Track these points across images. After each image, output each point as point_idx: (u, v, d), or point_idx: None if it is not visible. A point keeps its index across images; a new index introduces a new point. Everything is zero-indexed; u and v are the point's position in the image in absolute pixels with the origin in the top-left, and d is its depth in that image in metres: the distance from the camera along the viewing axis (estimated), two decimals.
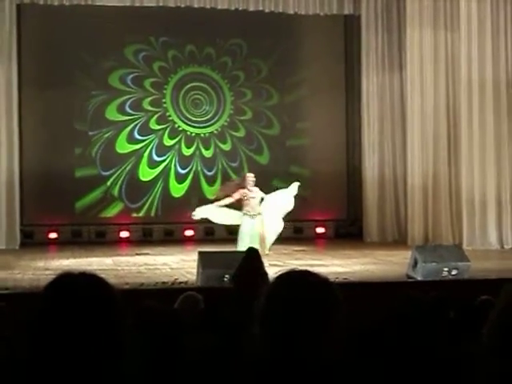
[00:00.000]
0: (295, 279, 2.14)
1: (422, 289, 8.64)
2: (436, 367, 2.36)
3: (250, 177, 12.63)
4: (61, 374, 1.82)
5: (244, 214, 12.49)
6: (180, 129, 18.38)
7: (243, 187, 12.55)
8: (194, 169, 18.36)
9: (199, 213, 12.81)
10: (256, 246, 12.03)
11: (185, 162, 18.32)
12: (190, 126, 18.42)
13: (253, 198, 12.50)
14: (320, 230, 18.25)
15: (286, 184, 17.94)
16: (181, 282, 9.87)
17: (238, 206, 12.72)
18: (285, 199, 12.86)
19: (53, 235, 17.30)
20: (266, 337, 2.08)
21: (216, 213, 12.72)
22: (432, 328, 2.42)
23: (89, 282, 1.93)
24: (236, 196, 12.52)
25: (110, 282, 1.97)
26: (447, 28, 16.28)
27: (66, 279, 1.94)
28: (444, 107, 16.36)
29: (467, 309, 4.20)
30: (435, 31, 16.26)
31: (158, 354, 3.01)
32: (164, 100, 18.33)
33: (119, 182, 18.00)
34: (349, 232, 18.24)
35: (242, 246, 12.05)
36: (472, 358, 2.21)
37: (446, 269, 10.05)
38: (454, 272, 10.07)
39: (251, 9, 16.76)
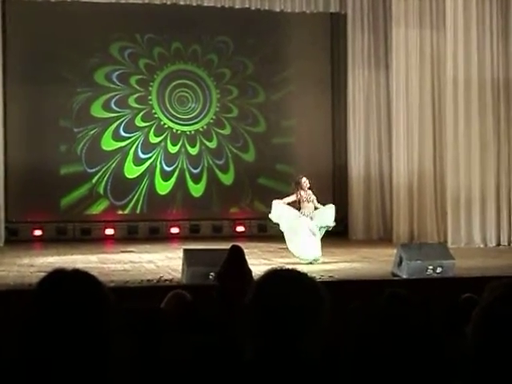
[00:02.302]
0: (281, 278, 2.15)
1: (407, 287, 8.69)
2: (419, 364, 2.37)
3: (305, 180, 12.56)
4: (53, 371, 1.82)
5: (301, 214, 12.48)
6: (166, 126, 18.35)
7: (300, 190, 12.50)
8: (179, 166, 18.34)
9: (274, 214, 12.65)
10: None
11: (170, 159, 18.30)
12: (175, 123, 18.40)
13: (309, 200, 12.49)
14: None
15: (272, 182, 18.05)
16: (166, 280, 9.85)
17: None
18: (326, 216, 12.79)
19: (38, 232, 17.25)
20: (252, 334, 2.09)
21: (279, 210, 12.54)
22: (416, 326, 2.43)
23: (81, 279, 1.93)
24: (293, 198, 12.50)
25: (100, 280, 1.97)
26: (433, 27, 16.32)
27: (59, 276, 1.93)
28: (429, 106, 16.41)
29: (451, 306, 4.22)
30: (421, 30, 16.31)
31: (141, 353, 3.01)
32: (150, 97, 18.30)
33: (104, 180, 17.96)
34: (334, 230, 18.22)
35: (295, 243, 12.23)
36: (455, 356, 2.22)
37: (430, 267, 10.09)
38: (438, 270, 10.10)
39: (237, 6, 16.75)
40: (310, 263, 12.00)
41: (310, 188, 12.59)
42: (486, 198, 15.69)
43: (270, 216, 12.70)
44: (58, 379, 1.81)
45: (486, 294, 1.74)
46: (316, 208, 12.61)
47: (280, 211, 12.51)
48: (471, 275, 9.93)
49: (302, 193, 12.48)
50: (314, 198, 12.62)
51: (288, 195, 12.76)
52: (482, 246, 15.47)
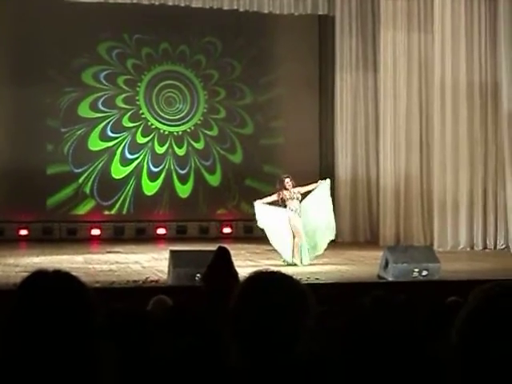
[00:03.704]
0: (265, 280, 2.14)
1: (393, 289, 8.70)
2: (403, 367, 2.37)
3: (288, 181, 12.59)
4: (35, 372, 1.81)
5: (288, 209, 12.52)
6: (153, 127, 18.33)
7: (283, 189, 12.55)
8: (166, 167, 18.32)
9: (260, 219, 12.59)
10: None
11: (157, 160, 18.28)
12: (163, 124, 18.38)
13: (293, 198, 12.50)
14: None
15: (259, 183, 18.02)
16: (152, 281, 9.84)
17: None
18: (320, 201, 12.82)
19: (23, 232, 17.19)
20: (237, 338, 2.08)
21: (263, 212, 12.56)
22: (399, 329, 2.43)
23: (62, 280, 1.92)
24: (275, 197, 12.56)
25: (83, 281, 1.96)
26: (421, 30, 16.36)
27: (40, 277, 1.92)
28: (417, 108, 16.44)
29: (436, 310, 4.22)
30: (409, 33, 16.34)
31: (126, 355, 3.00)
32: (137, 98, 18.27)
33: (91, 180, 17.92)
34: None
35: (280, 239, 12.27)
36: (439, 359, 2.22)
37: (416, 270, 10.11)
38: (424, 273, 10.12)
39: (226, 7, 16.73)
40: (295, 265, 12.01)
41: (294, 186, 12.62)
42: (473, 201, 15.72)
43: (257, 223, 12.67)
44: (40, 380, 1.80)
45: (471, 298, 1.74)
46: (304, 194, 12.62)
47: (264, 216, 12.51)
48: (457, 278, 9.95)
49: (285, 192, 12.51)
50: (299, 195, 12.63)
51: (271, 194, 12.79)
52: (468, 249, 15.50)
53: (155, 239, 17.23)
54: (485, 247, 15.67)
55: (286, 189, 12.53)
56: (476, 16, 15.85)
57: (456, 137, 15.62)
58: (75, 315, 1.85)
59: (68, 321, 1.83)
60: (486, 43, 15.89)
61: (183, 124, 18.50)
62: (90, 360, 1.85)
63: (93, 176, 17.93)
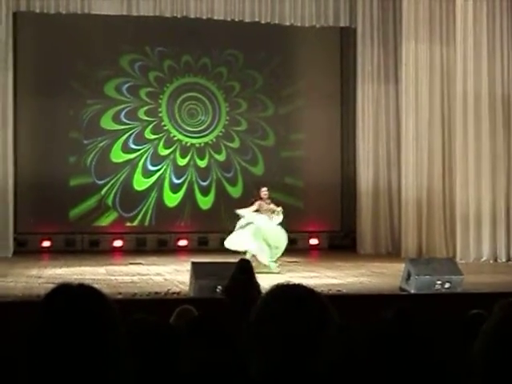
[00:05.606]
0: (287, 293, 2.14)
1: (415, 302, 8.66)
2: (425, 379, 2.36)
3: (264, 190, 13.47)
4: None
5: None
6: (175, 139, 18.38)
7: (260, 199, 13.44)
8: (188, 179, 18.36)
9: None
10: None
11: (179, 171, 18.32)
12: (185, 135, 18.43)
13: (266, 210, 13.26)
14: (314, 241, 18.25)
15: (280, 195, 18.04)
16: (174, 293, 9.86)
17: None
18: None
19: (46, 243, 17.26)
20: (257, 351, 2.08)
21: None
22: (423, 341, 2.42)
23: (86, 294, 1.92)
24: (253, 207, 13.40)
25: (106, 294, 1.97)
26: (443, 41, 16.33)
27: (64, 291, 1.93)
28: (439, 120, 16.39)
29: (459, 322, 4.20)
30: (431, 45, 16.31)
31: (147, 367, 3.00)
32: (159, 110, 18.33)
33: (113, 191, 17.98)
34: (342, 244, 18.24)
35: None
36: (461, 373, 2.21)
37: (439, 282, 10.06)
38: (447, 285, 10.08)
39: (247, 20, 16.80)
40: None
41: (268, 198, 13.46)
42: (496, 213, 15.63)
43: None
44: None
45: (495, 311, 1.73)
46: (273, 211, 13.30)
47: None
48: (480, 291, 9.90)
49: (262, 203, 13.32)
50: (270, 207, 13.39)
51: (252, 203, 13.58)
52: (491, 261, 15.41)
53: (177, 251, 17.25)
54: (508, 259, 15.58)
55: (261, 199, 13.39)
56: (498, 27, 15.80)
57: (478, 149, 15.56)
58: (98, 329, 1.85)
59: (91, 335, 1.84)
60: (508, 55, 15.85)
61: (205, 136, 18.54)
62: (112, 372, 1.85)
63: (115, 188, 17.99)
